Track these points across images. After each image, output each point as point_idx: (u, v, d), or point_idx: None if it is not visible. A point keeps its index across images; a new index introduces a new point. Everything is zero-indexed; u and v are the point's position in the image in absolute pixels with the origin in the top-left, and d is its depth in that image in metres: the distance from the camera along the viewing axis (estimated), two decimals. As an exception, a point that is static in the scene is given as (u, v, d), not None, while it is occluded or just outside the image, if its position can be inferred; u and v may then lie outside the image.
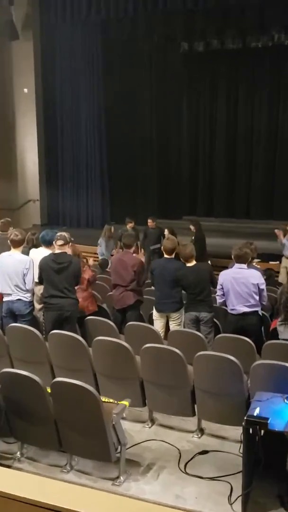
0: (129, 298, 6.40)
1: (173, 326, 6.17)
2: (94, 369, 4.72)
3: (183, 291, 6.22)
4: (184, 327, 6.08)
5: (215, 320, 6.09)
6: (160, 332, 5.91)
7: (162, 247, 6.58)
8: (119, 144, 16.51)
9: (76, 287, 5.96)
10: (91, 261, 7.27)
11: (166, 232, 11.09)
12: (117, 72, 16.15)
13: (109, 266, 9.25)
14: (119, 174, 16.55)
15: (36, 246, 6.83)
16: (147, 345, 4.45)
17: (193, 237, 10.64)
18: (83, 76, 15.75)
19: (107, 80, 15.91)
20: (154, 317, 6.39)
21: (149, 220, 11.65)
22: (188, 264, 6.10)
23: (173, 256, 6.32)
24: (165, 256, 6.37)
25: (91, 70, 15.70)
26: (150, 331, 5.30)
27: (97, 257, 11.16)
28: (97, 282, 7.31)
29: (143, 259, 7.25)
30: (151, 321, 6.42)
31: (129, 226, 11.70)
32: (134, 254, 6.75)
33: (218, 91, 16.81)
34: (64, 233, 5.93)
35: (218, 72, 16.64)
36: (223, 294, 5.64)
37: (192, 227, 11.16)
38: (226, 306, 5.71)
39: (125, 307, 6.42)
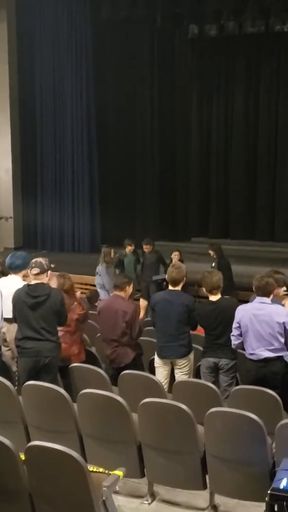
0: (126, 356, 6.37)
1: (179, 376, 6.18)
2: (79, 430, 4.70)
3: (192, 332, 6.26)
4: (198, 377, 6.08)
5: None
6: (163, 383, 5.91)
7: (166, 277, 6.59)
8: (113, 149, 16.72)
9: (60, 329, 5.99)
10: (78, 294, 7.30)
11: (174, 256, 11.15)
12: (111, 62, 16.41)
13: (98, 301, 9.29)
14: (113, 185, 16.73)
15: (5, 274, 6.79)
16: (147, 399, 4.44)
17: (213, 264, 10.64)
18: (68, 66, 15.96)
19: (99, 71, 16.13)
20: (156, 364, 6.39)
21: (145, 244, 11.69)
22: (212, 298, 6.12)
23: (179, 288, 6.35)
24: (170, 287, 6.41)
25: (78, 58, 15.89)
26: (150, 382, 5.29)
27: (88, 289, 11.19)
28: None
29: (143, 307, 7.25)
30: (152, 370, 6.43)
31: (129, 249, 11.76)
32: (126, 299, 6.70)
33: (235, 84, 17.05)
34: (40, 259, 5.92)
35: (234, 62, 16.87)
36: (240, 335, 5.64)
37: (211, 252, 11.20)
38: (243, 349, 5.71)
39: (123, 366, 6.36)
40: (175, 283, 6.35)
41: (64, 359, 6.12)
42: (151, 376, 5.61)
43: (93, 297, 9.86)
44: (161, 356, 6.33)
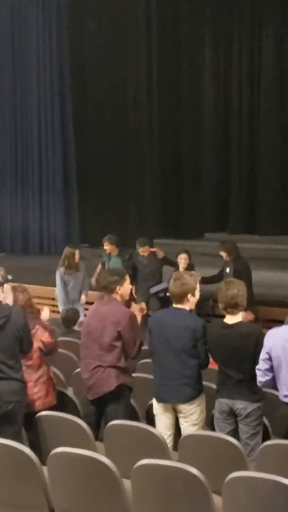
0: (109, 381, 6.37)
1: (185, 427, 6.13)
2: (50, 504, 4.68)
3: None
4: (208, 426, 6.05)
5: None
6: (166, 437, 5.91)
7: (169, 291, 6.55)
8: (95, 122, 16.86)
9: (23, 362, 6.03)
10: (45, 312, 7.29)
11: (181, 260, 11.09)
12: (89, 7, 16.36)
13: (79, 323, 9.27)
14: (95, 169, 16.90)
15: None
16: (143, 461, 4.41)
17: (227, 270, 10.53)
18: (33, 17, 16.11)
19: (74, 21, 16.28)
20: (155, 411, 6.34)
21: (141, 246, 11.62)
22: (229, 320, 6.04)
23: (184, 305, 6.28)
24: (173, 305, 6.35)
25: (46, 6, 16.02)
26: (148, 436, 5.25)
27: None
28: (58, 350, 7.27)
29: (138, 311, 7.25)
30: (150, 419, 6.42)
31: (108, 249, 11.74)
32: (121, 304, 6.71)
33: (262, 30, 17.14)
34: None
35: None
36: (271, 369, 5.60)
37: (223, 254, 11.04)
38: (276, 389, 5.69)
39: (103, 396, 6.40)
40: (177, 299, 6.28)
41: (29, 404, 6.13)
42: (149, 427, 5.57)
43: (70, 317, 9.73)
44: (159, 399, 6.27)
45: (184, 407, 6.17)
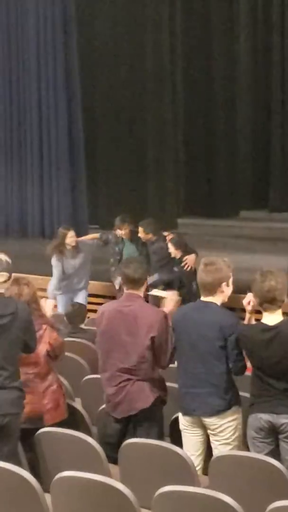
0: (143, 396, 6.42)
1: (216, 446, 6.12)
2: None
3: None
4: (245, 445, 6.01)
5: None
6: (194, 458, 5.90)
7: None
8: (107, 77, 16.79)
9: (24, 371, 6.11)
10: (49, 305, 7.31)
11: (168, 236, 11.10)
12: None
13: (85, 320, 9.36)
14: (107, 139, 16.85)
15: None
16: (166, 488, 4.41)
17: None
18: None
19: None
20: (181, 426, 6.32)
21: (141, 228, 11.63)
22: (269, 320, 6.01)
23: (216, 298, 6.27)
24: (201, 298, 6.32)
25: None
26: (171, 457, 5.25)
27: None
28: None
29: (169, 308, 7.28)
30: (175, 436, 6.39)
31: (123, 234, 11.70)
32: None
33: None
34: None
35: None
36: None
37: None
38: None
39: (133, 415, 6.42)
40: (208, 291, 6.26)
41: (32, 418, 6.11)
42: (173, 446, 5.53)
43: (77, 313, 9.73)
44: (184, 412, 6.26)
45: (212, 422, 6.15)
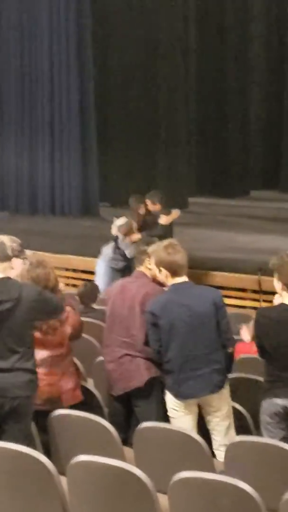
0: (138, 373, 6.46)
1: (218, 422, 6.21)
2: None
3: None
4: (260, 429, 6.04)
5: None
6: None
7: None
8: (119, 48, 16.68)
9: (41, 353, 6.09)
10: (62, 287, 7.34)
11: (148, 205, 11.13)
12: None
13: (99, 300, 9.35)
14: (119, 108, 16.79)
15: None
16: (184, 473, 4.39)
17: None
18: None
19: None
20: (171, 414, 6.27)
21: (149, 200, 11.67)
22: (280, 301, 6.02)
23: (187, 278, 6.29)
24: (177, 280, 6.27)
25: None
26: (187, 442, 5.23)
27: (79, 279, 11.23)
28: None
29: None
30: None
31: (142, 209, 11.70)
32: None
33: None
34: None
35: None
36: None
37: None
38: None
39: (130, 391, 6.48)
40: (184, 270, 6.27)
41: (52, 399, 6.15)
42: (188, 431, 5.53)
43: (89, 293, 9.75)
44: (183, 396, 6.23)
45: (214, 399, 6.21)
